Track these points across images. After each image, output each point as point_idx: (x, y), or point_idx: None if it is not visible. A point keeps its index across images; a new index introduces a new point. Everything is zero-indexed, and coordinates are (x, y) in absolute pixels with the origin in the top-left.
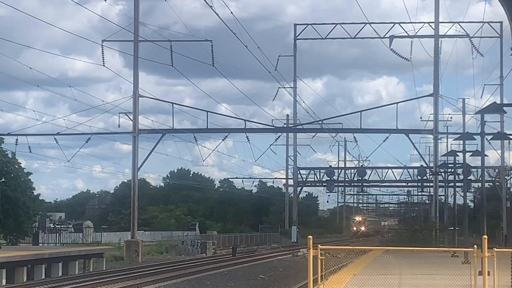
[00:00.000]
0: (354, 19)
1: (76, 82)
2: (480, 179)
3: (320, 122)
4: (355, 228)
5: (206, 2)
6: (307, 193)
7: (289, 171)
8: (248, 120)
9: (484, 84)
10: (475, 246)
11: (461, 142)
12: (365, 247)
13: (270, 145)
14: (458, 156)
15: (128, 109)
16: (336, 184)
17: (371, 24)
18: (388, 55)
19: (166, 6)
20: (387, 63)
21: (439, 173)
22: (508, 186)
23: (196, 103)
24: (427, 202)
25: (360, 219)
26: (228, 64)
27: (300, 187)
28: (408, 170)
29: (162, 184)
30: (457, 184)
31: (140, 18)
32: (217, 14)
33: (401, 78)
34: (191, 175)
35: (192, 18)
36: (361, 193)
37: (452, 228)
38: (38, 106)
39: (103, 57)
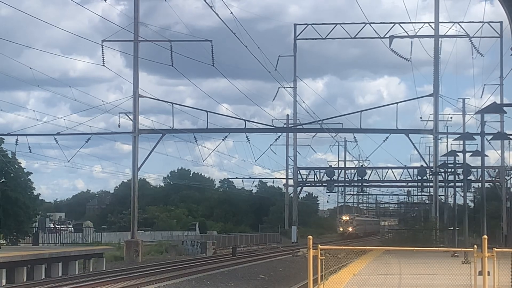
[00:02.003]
0: (356, 19)
1: (77, 82)
2: (480, 179)
3: (320, 122)
4: (341, 229)
5: (206, 2)
6: (307, 193)
7: (289, 171)
8: (248, 120)
9: (484, 84)
10: (475, 246)
11: (461, 142)
12: (365, 247)
13: (270, 145)
14: (458, 156)
15: (128, 109)
16: (336, 184)
17: (371, 24)
18: (389, 55)
19: (167, 6)
20: (388, 63)
21: (439, 173)
22: (508, 186)
23: (196, 103)
24: (427, 202)
25: (348, 218)
26: (229, 64)
27: (300, 187)
28: (408, 170)
29: (162, 184)
30: (457, 184)
31: (141, 18)
32: (217, 14)
33: (402, 78)
34: (191, 175)
35: (193, 18)
36: (361, 193)
37: (452, 228)
38: (39, 106)
39: (103, 57)
